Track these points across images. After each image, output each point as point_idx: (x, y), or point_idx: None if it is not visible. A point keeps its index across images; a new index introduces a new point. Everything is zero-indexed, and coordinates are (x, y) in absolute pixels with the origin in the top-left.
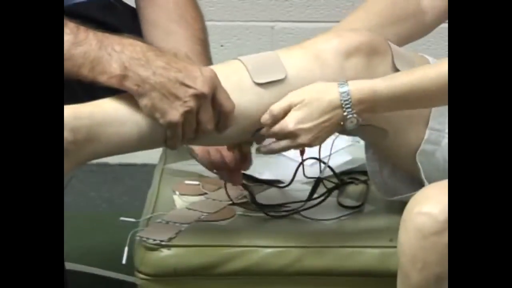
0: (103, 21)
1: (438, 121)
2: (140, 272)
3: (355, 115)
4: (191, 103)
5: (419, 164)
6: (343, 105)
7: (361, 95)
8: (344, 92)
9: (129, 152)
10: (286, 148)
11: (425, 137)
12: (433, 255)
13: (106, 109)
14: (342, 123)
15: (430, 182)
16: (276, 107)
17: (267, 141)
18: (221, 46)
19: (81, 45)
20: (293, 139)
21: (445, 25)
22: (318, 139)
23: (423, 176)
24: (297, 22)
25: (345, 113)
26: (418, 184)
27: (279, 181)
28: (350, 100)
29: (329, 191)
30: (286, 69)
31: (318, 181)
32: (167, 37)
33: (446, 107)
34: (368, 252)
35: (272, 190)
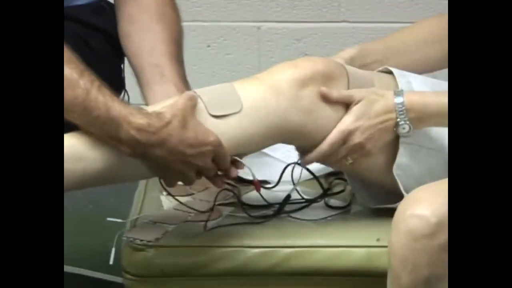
0: (92, 23)
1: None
2: (127, 272)
3: (407, 122)
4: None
5: (396, 178)
6: (397, 110)
7: (412, 105)
8: (399, 103)
9: (95, 186)
10: (342, 154)
11: (400, 150)
12: (423, 257)
13: None
14: (395, 128)
15: None
16: (342, 93)
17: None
18: (208, 46)
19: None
20: (349, 140)
21: None
22: (371, 140)
23: (402, 190)
24: (283, 23)
25: (398, 119)
26: (398, 196)
27: (266, 182)
28: (403, 107)
29: (311, 201)
30: (241, 100)
31: (287, 198)
32: (145, 34)
33: None
34: (356, 252)
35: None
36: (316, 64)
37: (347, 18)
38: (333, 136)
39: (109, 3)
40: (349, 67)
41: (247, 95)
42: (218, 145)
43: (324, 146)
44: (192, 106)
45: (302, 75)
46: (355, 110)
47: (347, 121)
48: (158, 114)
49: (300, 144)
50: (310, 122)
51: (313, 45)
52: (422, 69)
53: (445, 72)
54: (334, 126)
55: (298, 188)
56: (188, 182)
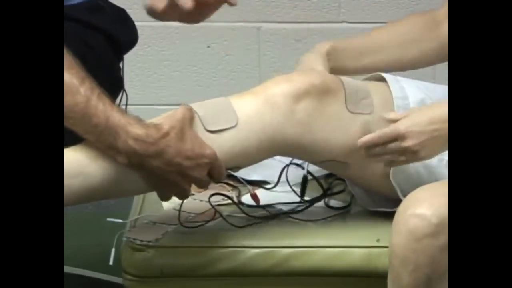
0: (91, 23)
1: None
2: (127, 273)
3: None
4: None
5: (394, 183)
6: None
7: None
8: None
9: (91, 201)
10: (392, 151)
11: None
12: (425, 257)
13: None
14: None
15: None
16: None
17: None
18: (208, 47)
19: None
20: (401, 141)
21: None
22: (425, 148)
23: (400, 195)
24: (283, 23)
25: None
26: (398, 200)
27: (265, 182)
28: None
29: (312, 201)
30: (237, 114)
31: (305, 180)
32: None
33: None
34: (356, 252)
35: (259, 191)
36: (311, 78)
37: (347, 19)
38: (386, 130)
39: (107, 2)
40: (345, 79)
41: (243, 110)
42: (214, 158)
43: (374, 134)
44: (190, 118)
45: (297, 89)
46: (411, 116)
47: (402, 125)
48: (156, 125)
49: (297, 157)
50: (306, 135)
51: (313, 46)
52: (396, 69)
53: (443, 75)
54: (331, 138)
55: (294, 188)
56: (182, 195)
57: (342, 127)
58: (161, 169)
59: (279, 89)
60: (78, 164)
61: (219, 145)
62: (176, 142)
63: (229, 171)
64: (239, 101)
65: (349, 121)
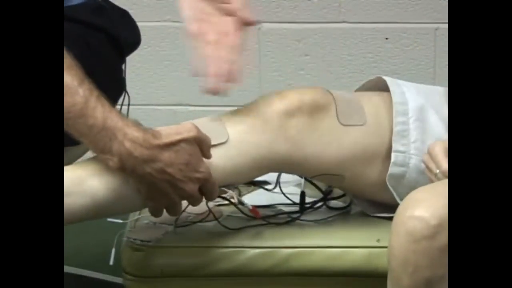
0: (93, 23)
1: (401, 143)
2: (127, 273)
3: None
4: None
5: (390, 188)
6: None
7: None
8: None
9: (81, 221)
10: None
11: (392, 160)
12: (424, 259)
13: None
14: None
15: None
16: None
17: None
18: None
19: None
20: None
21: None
22: None
23: (398, 199)
24: (284, 23)
25: None
26: (397, 206)
27: (266, 182)
28: None
29: (313, 204)
30: (227, 131)
31: (303, 194)
32: None
33: (407, 128)
34: (356, 252)
35: (260, 191)
36: (303, 95)
37: (347, 19)
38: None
39: (109, 3)
40: (336, 93)
41: (235, 127)
42: (208, 175)
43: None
44: (194, 134)
45: (289, 106)
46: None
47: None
48: (153, 132)
49: (291, 172)
50: (298, 151)
51: (313, 46)
52: None
53: (443, 74)
54: (324, 153)
55: (294, 188)
56: (173, 210)
57: (335, 141)
58: (152, 176)
59: (270, 107)
60: (70, 183)
61: (210, 161)
62: (171, 152)
63: (223, 189)
64: (230, 118)
65: (342, 134)
